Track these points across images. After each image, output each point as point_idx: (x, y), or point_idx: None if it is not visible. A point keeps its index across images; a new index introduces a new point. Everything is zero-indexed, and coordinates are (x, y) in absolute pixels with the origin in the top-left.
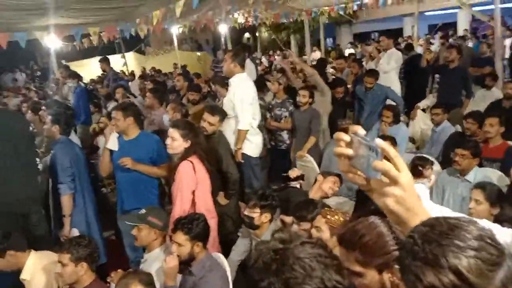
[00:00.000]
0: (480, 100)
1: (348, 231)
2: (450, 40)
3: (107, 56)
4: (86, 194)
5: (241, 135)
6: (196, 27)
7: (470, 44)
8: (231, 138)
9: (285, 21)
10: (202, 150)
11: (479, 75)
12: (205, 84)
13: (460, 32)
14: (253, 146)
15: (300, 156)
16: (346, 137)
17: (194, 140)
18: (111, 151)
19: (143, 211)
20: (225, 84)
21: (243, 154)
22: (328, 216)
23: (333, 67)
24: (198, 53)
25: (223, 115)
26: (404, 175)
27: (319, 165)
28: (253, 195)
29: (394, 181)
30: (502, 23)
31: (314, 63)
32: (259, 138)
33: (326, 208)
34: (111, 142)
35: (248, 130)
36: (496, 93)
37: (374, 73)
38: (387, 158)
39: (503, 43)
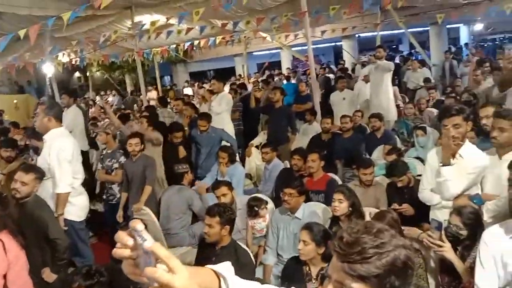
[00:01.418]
0: (304, 134)
1: None
2: (276, 79)
3: None
4: None
5: (61, 200)
6: (10, 70)
7: (293, 81)
8: (49, 204)
9: (116, 60)
10: (13, 222)
11: (302, 111)
12: (23, 136)
13: (284, 70)
14: (76, 208)
15: (137, 209)
16: (126, 239)
17: (2, 213)
18: None
19: None
20: (41, 139)
21: (65, 220)
22: None
23: (171, 109)
24: (15, 100)
25: (40, 173)
26: (179, 277)
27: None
28: (75, 275)
29: (168, 287)
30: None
31: (153, 102)
32: (84, 198)
33: None
34: None
35: (69, 193)
36: (316, 127)
37: (206, 116)
38: None
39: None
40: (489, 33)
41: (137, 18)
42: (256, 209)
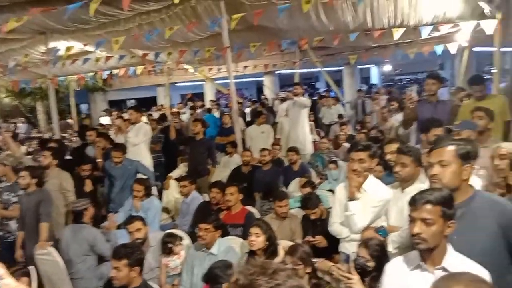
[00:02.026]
0: (224, 166)
1: None
2: (198, 111)
3: None
4: None
5: None
6: None
7: (216, 114)
8: None
9: (27, 86)
10: None
11: (225, 143)
12: None
13: (207, 102)
14: None
15: (40, 247)
16: None
17: None
18: None
19: None
20: None
21: None
22: None
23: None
24: None
25: None
26: None
27: None
28: None
29: None
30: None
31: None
32: None
33: None
34: None
35: None
36: (237, 159)
37: (121, 147)
38: None
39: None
40: (396, 74)
41: (52, 44)
42: (170, 245)
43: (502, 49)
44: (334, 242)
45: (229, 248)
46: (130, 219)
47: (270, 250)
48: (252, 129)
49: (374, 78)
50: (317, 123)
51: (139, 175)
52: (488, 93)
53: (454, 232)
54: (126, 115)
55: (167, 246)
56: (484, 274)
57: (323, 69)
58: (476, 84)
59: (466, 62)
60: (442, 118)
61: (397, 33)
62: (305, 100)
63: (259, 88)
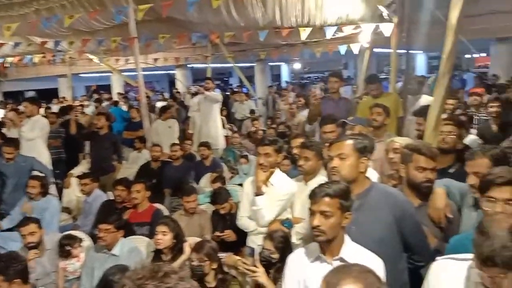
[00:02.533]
0: (133, 162)
1: None
2: (104, 104)
3: None
4: None
5: None
6: None
7: (124, 107)
8: None
9: None
10: None
11: (133, 138)
12: None
13: (114, 95)
14: None
15: None
16: None
17: None
18: None
19: None
20: None
21: None
22: None
23: None
24: None
25: None
26: None
27: None
28: None
29: None
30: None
31: None
32: None
33: None
34: None
35: None
36: (146, 154)
37: (13, 142)
38: None
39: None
40: (305, 72)
41: None
42: (68, 248)
43: (399, 51)
44: (243, 236)
45: (133, 248)
46: (24, 221)
47: (177, 248)
48: (158, 124)
49: (285, 75)
50: (230, 118)
51: (36, 173)
52: (383, 91)
53: (353, 222)
54: (10, 114)
55: (65, 248)
56: (378, 263)
57: (235, 64)
58: (372, 83)
59: (367, 62)
60: (343, 114)
61: (304, 33)
62: (216, 95)
63: (172, 81)
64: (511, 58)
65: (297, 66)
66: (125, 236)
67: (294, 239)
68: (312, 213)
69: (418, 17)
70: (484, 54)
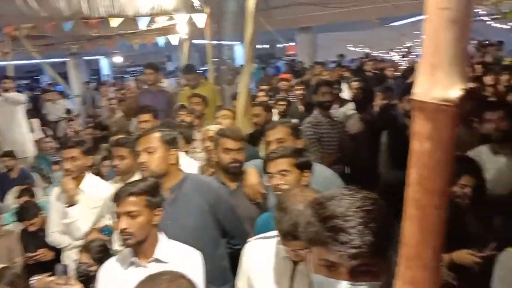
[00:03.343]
0: None
1: None
2: None
3: None
4: None
5: None
6: None
7: None
8: None
9: None
10: None
11: None
12: None
13: None
14: None
15: None
16: None
17: None
18: None
19: None
20: None
21: None
22: None
23: None
24: None
25: None
26: None
27: None
28: None
29: None
30: None
31: None
32: None
33: None
34: None
35: None
36: None
37: None
38: None
39: None
40: (128, 65)
41: None
42: None
43: (223, 42)
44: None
45: None
46: None
47: None
48: None
49: (105, 70)
50: (44, 120)
51: None
52: (201, 82)
53: (167, 217)
54: None
55: None
56: (196, 255)
57: (43, 60)
58: (189, 73)
59: (187, 53)
60: (163, 106)
61: (114, 22)
62: (18, 95)
63: None
64: (314, 46)
65: (118, 59)
66: None
67: (116, 246)
68: (117, 215)
69: (227, 7)
70: (294, 43)
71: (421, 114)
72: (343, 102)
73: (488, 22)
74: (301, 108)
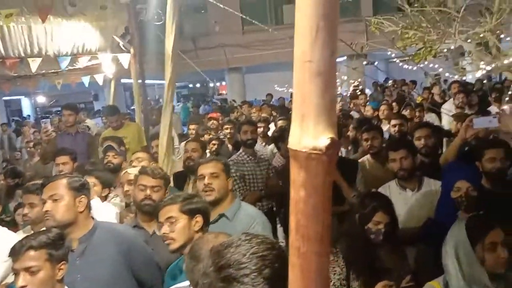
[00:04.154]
0: None
1: None
2: None
3: None
4: None
5: None
6: None
7: None
8: None
9: None
10: None
11: None
12: None
13: None
14: None
15: None
16: None
17: None
18: None
19: None
20: None
21: None
22: None
23: None
24: None
25: None
26: None
27: None
28: None
29: None
30: None
31: None
32: None
33: None
34: None
35: None
36: None
37: None
38: None
39: None
40: (52, 105)
41: None
42: None
43: (149, 81)
44: None
45: None
46: None
47: None
48: None
49: (27, 110)
50: None
51: None
52: (124, 122)
53: (77, 270)
54: None
55: None
56: None
57: None
58: (111, 114)
59: (113, 93)
60: (82, 149)
61: (34, 63)
62: None
63: None
64: (243, 86)
65: (41, 99)
66: None
67: None
68: (16, 272)
69: (150, 48)
70: (224, 83)
71: (295, 162)
72: (270, 140)
73: (400, 64)
74: (230, 147)
